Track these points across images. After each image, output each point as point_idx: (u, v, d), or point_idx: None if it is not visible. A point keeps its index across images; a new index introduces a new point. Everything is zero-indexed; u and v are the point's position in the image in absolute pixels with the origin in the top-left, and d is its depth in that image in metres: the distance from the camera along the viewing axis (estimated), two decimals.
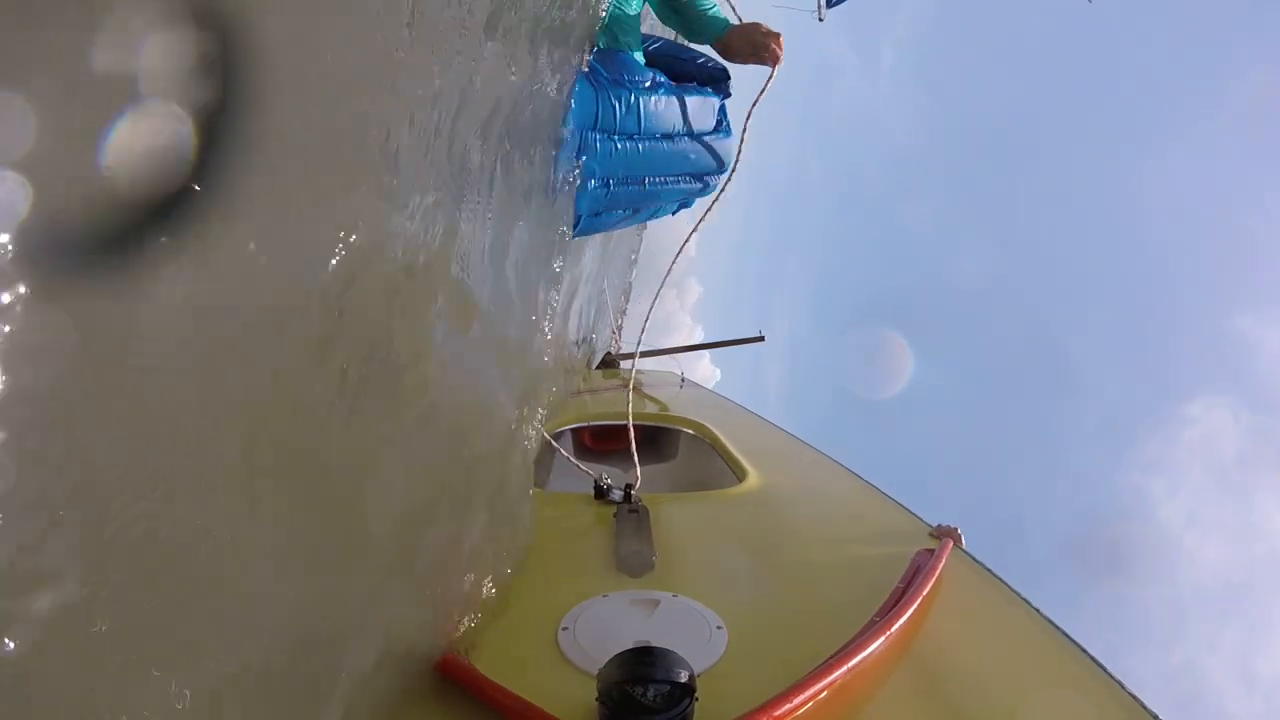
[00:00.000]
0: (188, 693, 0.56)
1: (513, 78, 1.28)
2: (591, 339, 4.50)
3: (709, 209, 2.31)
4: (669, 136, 2.00)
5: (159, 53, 0.53)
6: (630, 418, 2.12)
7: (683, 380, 3.54)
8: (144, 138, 0.52)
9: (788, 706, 0.84)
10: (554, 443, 2.00)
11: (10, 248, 0.44)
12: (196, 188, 0.56)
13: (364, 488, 0.86)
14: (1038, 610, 1.24)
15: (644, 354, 4.50)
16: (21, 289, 0.45)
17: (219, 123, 0.57)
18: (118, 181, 0.51)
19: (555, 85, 1.57)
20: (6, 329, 0.44)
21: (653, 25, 2.35)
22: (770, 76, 2.06)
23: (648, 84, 1.93)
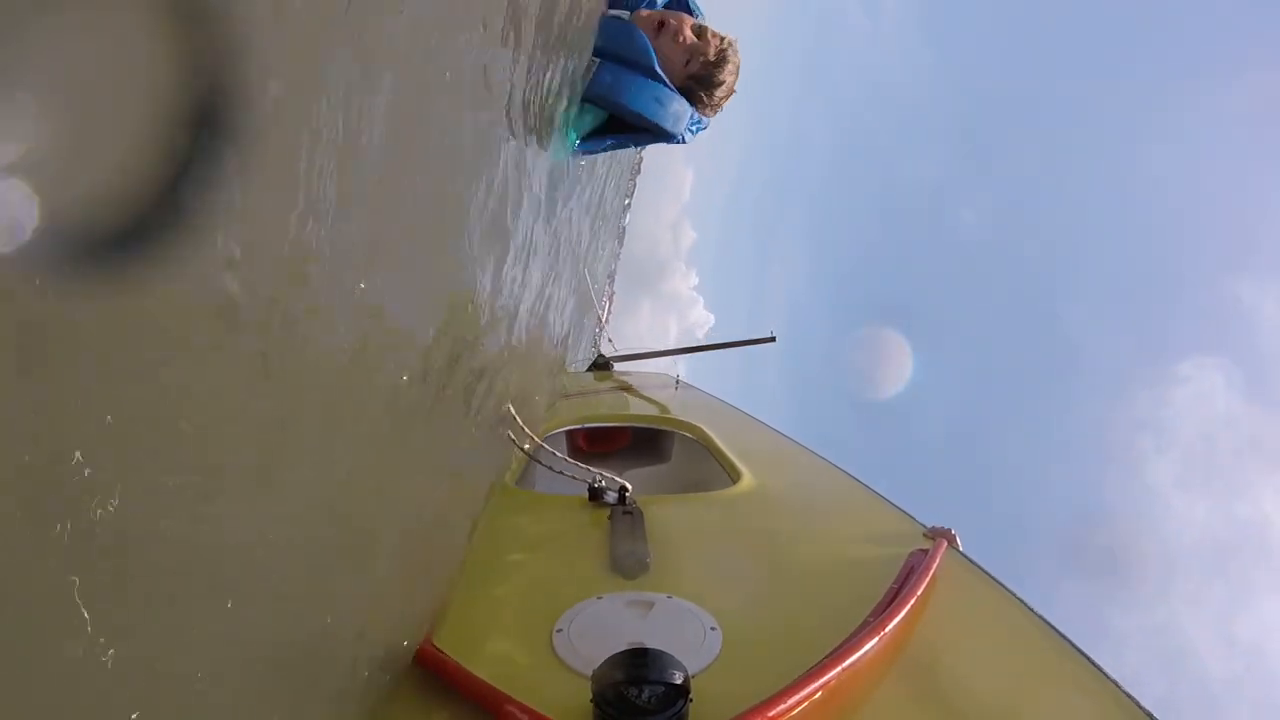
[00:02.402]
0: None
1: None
2: (581, 323, 4.44)
3: None
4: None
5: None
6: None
7: (678, 382, 3.54)
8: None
9: (782, 707, 0.83)
10: (543, 446, 1.99)
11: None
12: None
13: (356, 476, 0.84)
14: (1033, 610, 1.24)
15: (641, 356, 4.51)
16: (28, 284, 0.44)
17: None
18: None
19: None
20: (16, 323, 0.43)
21: None
22: None
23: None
